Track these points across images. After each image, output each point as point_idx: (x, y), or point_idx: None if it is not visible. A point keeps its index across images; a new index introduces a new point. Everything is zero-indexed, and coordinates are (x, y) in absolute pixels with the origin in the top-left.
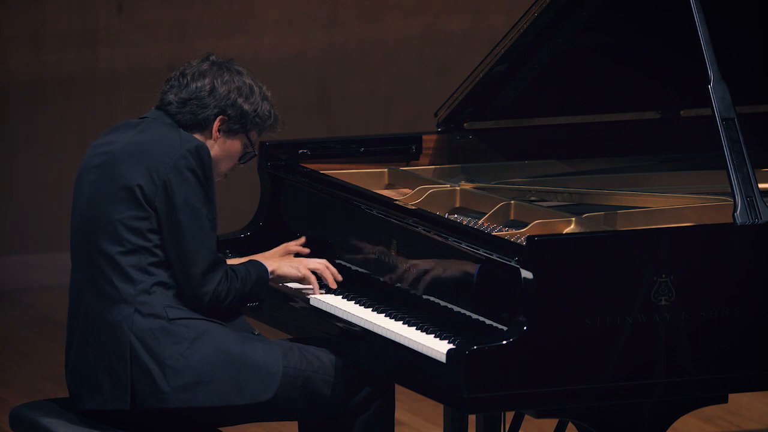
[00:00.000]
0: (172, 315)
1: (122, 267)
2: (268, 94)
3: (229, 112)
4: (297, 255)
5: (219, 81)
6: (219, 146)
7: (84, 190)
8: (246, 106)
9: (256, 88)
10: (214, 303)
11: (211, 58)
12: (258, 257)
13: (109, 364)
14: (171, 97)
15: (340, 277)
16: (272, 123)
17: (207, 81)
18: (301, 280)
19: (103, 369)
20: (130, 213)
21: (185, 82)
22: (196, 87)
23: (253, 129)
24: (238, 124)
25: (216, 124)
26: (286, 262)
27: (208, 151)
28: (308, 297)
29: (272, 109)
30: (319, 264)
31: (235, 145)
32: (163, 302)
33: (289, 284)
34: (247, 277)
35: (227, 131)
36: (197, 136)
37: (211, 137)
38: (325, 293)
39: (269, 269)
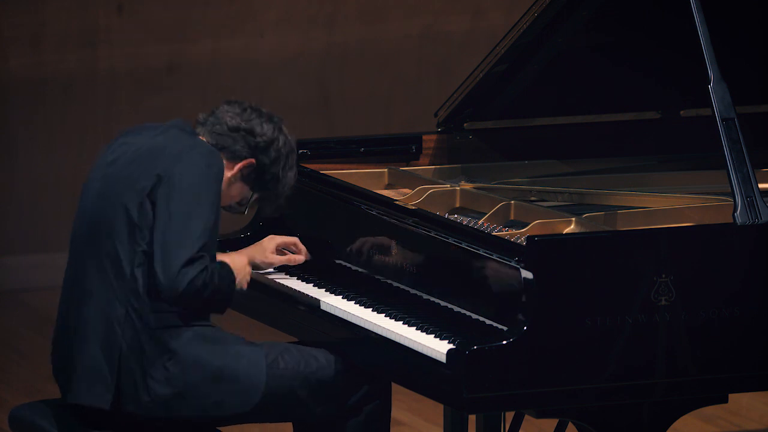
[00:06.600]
0: (156, 323)
1: (120, 265)
2: (293, 183)
3: (266, 167)
4: (285, 249)
5: (281, 139)
6: (228, 183)
7: (93, 186)
8: (281, 175)
9: (295, 168)
10: (187, 293)
11: (277, 118)
12: (223, 256)
13: (96, 363)
14: (227, 118)
15: (301, 258)
16: (278, 205)
17: (272, 130)
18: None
19: (89, 367)
20: (136, 212)
21: (253, 115)
22: (262, 127)
23: (262, 193)
24: (259, 180)
25: (243, 163)
26: (253, 252)
27: (219, 157)
28: (307, 295)
29: (287, 195)
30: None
31: (236, 192)
32: (153, 308)
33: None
34: (221, 272)
35: (245, 176)
36: None
37: (230, 170)
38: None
39: (234, 267)
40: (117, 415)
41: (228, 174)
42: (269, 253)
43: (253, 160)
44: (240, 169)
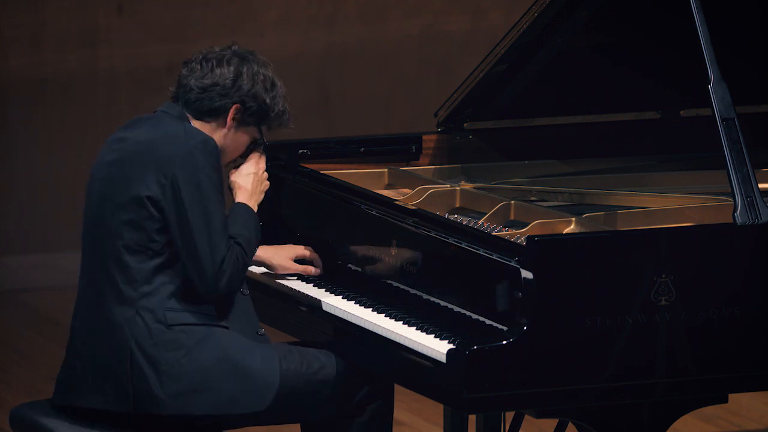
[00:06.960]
0: (172, 320)
1: (127, 268)
2: (285, 90)
3: (249, 103)
4: (303, 260)
5: (245, 70)
6: (229, 136)
7: (95, 187)
8: (268, 100)
9: (278, 82)
10: (229, 290)
11: (233, 48)
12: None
13: (110, 365)
14: (192, 82)
15: (311, 270)
16: (286, 120)
17: (232, 69)
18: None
19: (103, 370)
20: (138, 214)
21: (209, 67)
22: (221, 73)
23: (266, 123)
24: (254, 116)
25: (231, 113)
26: (274, 252)
27: (214, 144)
28: (307, 295)
29: (286, 106)
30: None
31: (244, 137)
32: (165, 305)
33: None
34: (249, 240)
35: (241, 121)
36: (210, 123)
37: (224, 125)
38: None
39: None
40: (117, 414)
41: (224, 131)
42: (289, 260)
43: (236, 105)
44: (233, 119)
